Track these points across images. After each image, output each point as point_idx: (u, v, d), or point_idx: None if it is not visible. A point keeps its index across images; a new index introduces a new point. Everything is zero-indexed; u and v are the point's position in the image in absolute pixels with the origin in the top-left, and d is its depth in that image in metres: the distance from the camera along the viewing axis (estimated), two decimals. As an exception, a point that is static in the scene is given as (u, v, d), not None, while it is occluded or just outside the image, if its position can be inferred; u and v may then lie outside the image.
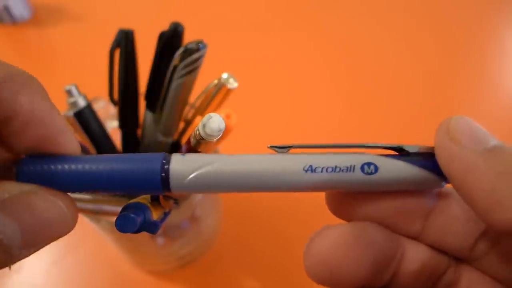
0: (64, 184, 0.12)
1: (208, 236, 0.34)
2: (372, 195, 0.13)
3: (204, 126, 0.12)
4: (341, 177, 0.12)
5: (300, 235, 0.13)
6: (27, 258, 0.11)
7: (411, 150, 0.13)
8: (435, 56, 0.52)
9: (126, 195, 0.23)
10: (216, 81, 0.23)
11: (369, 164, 0.12)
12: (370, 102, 0.46)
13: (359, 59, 0.52)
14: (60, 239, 0.12)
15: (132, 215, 0.13)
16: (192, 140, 0.14)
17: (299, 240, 0.13)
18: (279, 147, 0.13)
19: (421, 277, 0.13)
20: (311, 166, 0.12)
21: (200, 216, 0.31)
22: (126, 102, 0.26)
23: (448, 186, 0.13)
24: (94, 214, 0.24)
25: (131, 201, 0.14)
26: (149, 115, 0.25)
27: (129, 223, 0.13)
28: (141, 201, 0.14)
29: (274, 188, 0.12)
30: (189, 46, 0.21)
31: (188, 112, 0.25)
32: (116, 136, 0.27)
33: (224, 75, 0.22)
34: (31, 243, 0.11)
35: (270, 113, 0.45)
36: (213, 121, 0.12)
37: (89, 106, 0.25)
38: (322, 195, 0.14)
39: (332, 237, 0.12)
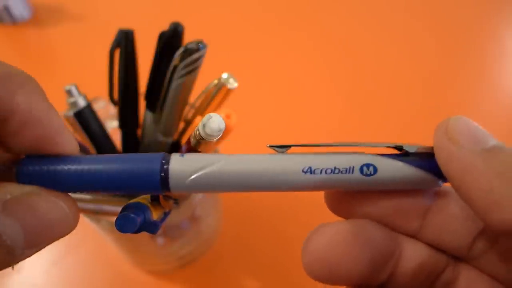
0: (64, 184, 0.12)
1: (208, 236, 0.34)
2: (371, 194, 0.13)
3: (204, 126, 0.12)
4: (340, 178, 0.12)
5: (300, 235, 0.13)
6: (27, 258, 0.11)
7: (410, 150, 0.13)
8: (435, 56, 0.52)
9: (126, 195, 0.23)
10: (216, 81, 0.23)
11: (368, 165, 0.12)
12: (370, 102, 0.46)
13: (359, 59, 0.52)
14: (61, 239, 0.12)
15: (132, 215, 0.13)
16: (192, 140, 0.14)
17: (299, 240, 0.13)
18: (278, 147, 0.13)
19: (419, 276, 0.13)
20: (310, 167, 0.12)
21: (200, 216, 0.31)
22: (126, 102, 0.26)
23: (446, 185, 0.13)
24: (94, 214, 0.24)
25: (131, 201, 0.14)
26: (149, 115, 0.25)
27: (129, 223, 0.13)
28: (141, 201, 0.14)
29: (273, 188, 0.12)
30: (189, 46, 0.21)
31: (188, 112, 0.25)
32: (116, 136, 0.27)
33: (224, 75, 0.22)
34: (34, 244, 0.11)
35: (270, 113, 0.45)
36: (213, 121, 0.12)
37: (89, 106, 0.25)
38: (321, 195, 0.14)
39: (330, 234, 0.12)
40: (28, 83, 0.12)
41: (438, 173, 0.12)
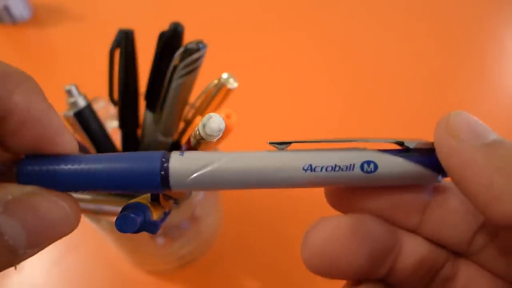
0: (65, 183, 0.12)
1: (208, 236, 0.34)
2: (371, 189, 0.13)
3: (204, 126, 0.12)
4: (341, 175, 0.12)
5: (300, 235, 0.13)
6: (28, 258, 0.11)
7: (411, 146, 0.13)
8: (435, 56, 0.52)
9: (126, 195, 0.23)
10: (216, 81, 0.23)
11: (368, 162, 0.12)
12: (370, 102, 0.46)
13: (359, 58, 0.52)
14: (61, 239, 0.12)
15: (132, 215, 0.13)
16: (192, 140, 0.14)
17: (299, 240, 0.13)
18: (279, 143, 0.13)
19: (419, 271, 0.13)
20: (310, 165, 0.12)
21: (200, 216, 0.31)
22: (126, 102, 0.26)
23: (446, 180, 0.13)
24: (94, 214, 0.24)
25: (131, 201, 0.14)
26: (149, 115, 0.25)
27: (129, 223, 0.13)
28: (141, 201, 0.14)
29: (273, 185, 0.12)
30: (189, 46, 0.21)
31: (188, 112, 0.25)
32: (116, 136, 0.27)
33: (224, 75, 0.22)
34: (35, 243, 0.11)
35: (270, 113, 0.45)
36: (213, 121, 0.12)
37: (89, 106, 0.25)
38: (321, 195, 0.14)
39: (330, 228, 0.12)
40: (26, 82, 0.12)
41: (438, 169, 0.12)
